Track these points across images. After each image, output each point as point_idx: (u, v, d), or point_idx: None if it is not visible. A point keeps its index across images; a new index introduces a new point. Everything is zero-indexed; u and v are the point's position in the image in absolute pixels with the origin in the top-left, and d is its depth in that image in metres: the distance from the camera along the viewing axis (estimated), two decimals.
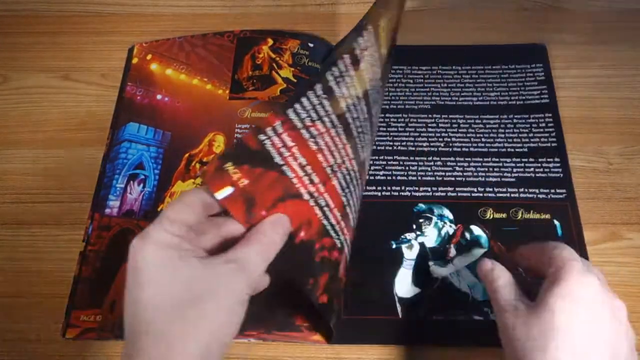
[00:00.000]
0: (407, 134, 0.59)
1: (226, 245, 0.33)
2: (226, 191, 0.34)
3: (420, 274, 0.50)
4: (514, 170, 0.56)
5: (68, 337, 0.48)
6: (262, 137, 0.35)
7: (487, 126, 0.59)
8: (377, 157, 0.57)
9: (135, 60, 0.64)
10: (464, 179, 0.56)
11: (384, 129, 0.59)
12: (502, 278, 0.38)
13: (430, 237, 0.52)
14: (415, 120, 0.60)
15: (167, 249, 0.30)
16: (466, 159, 0.57)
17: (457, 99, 0.61)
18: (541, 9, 0.69)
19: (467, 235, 0.52)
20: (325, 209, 0.39)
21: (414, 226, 0.53)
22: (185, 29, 0.68)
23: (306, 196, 0.38)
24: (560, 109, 0.60)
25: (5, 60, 0.67)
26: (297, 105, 0.36)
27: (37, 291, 0.52)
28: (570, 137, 0.58)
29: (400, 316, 0.48)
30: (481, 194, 0.55)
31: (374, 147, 0.57)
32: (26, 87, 0.65)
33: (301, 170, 0.37)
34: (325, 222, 0.40)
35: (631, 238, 0.53)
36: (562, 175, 0.56)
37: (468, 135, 0.59)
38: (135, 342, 0.29)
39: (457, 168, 0.56)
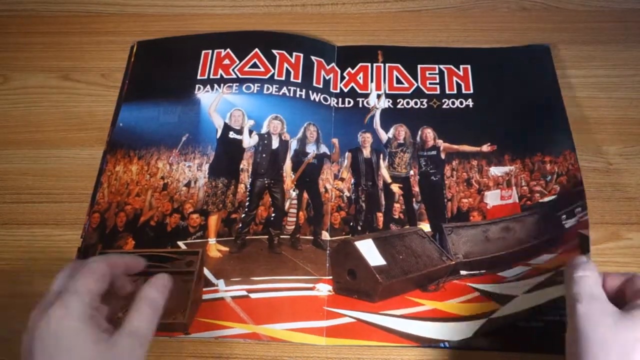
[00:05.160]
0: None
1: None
2: None
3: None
4: None
5: None
6: None
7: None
8: None
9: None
10: None
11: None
12: (590, 271, 0.39)
13: None
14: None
15: (86, 322, 0.35)
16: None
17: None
18: (541, 9, 0.69)
19: None
20: None
21: None
22: (185, 29, 0.68)
23: None
24: None
25: (6, 60, 0.67)
26: None
27: (37, 291, 0.51)
28: None
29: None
30: None
31: None
32: (26, 87, 0.65)
33: None
34: None
35: (631, 238, 0.53)
36: None
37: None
38: None
39: None
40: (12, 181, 0.58)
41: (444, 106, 0.61)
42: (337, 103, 0.62)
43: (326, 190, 0.57)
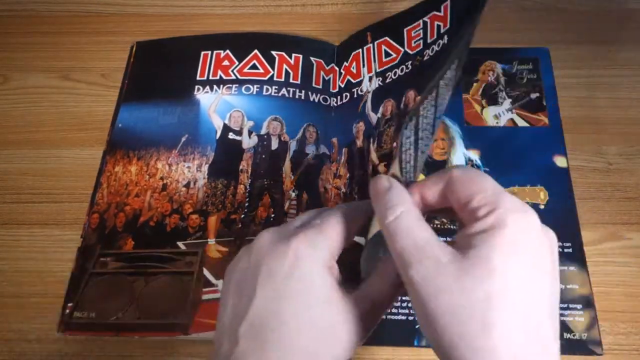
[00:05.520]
0: None
1: None
2: None
3: None
4: None
5: (63, 332, 0.48)
6: None
7: None
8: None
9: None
10: None
11: None
12: (403, 204, 0.27)
13: None
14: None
15: (329, 276, 0.29)
16: None
17: None
18: (541, 9, 0.69)
19: None
20: None
21: None
22: (185, 29, 0.68)
23: None
24: (561, 109, 0.60)
25: (6, 60, 0.67)
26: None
27: (37, 291, 0.52)
28: (570, 137, 0.58)
29: None
30: None
31: None
32: (26, 87, 0.65)
33: None
34: None
35: (631, 238, 0.53)
36: None
37: None
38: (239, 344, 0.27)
39: None
40: (12, 181, 0.58)
41: (425, 58, 0.58)
42: (337, 102, 0.62)
43: (326, 190, 0.57)
